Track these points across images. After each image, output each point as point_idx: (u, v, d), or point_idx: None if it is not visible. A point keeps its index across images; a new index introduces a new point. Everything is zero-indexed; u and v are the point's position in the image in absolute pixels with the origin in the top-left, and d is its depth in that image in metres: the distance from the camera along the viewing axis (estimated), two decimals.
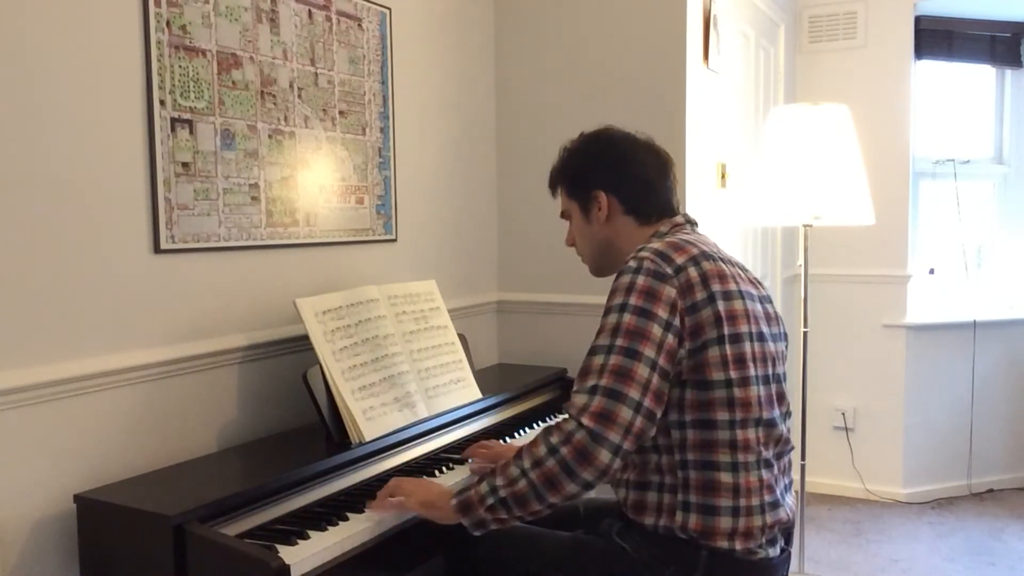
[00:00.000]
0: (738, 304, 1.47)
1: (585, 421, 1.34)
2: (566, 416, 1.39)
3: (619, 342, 1.38)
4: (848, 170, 2.67)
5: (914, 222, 3.98)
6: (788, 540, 1.59)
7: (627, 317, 1.40)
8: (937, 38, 4.00)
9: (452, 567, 1.80)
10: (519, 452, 1.42)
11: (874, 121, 3.76)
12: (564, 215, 1.74)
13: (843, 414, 3.99)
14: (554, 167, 1.74)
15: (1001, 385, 4.03)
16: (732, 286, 1.48)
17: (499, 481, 1.42)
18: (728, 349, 1.43)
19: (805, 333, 2.91)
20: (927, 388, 3.92)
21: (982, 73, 4.19)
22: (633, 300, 1.41)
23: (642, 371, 1.36)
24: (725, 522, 1.44)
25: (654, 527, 1.50)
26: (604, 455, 1.32)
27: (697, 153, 2.68)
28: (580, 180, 1.68)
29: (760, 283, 1.61)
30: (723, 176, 2.96)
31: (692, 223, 1.66)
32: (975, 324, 3.93)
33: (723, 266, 1.50)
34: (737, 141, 3.14)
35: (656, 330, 1.39)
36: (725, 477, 1.44)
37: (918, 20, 3.90)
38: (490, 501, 1.42)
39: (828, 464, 4.00)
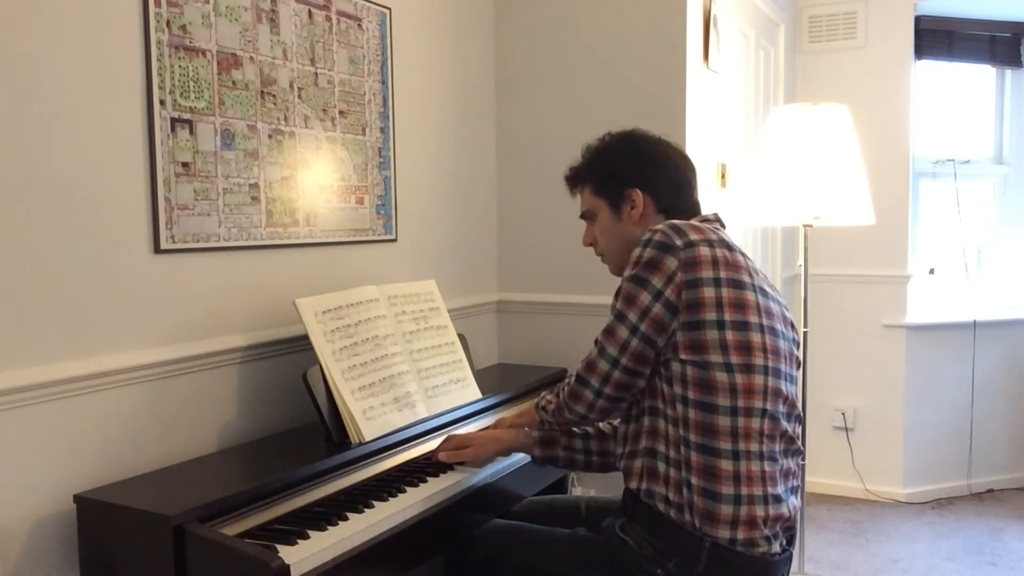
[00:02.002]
0: (750, 296, 1.49)
1: (578, 367, 1.60)
2: None
3: (617, 305, 1.54)
4: (848, 170, 2.67)
5: (914, 222, 3.98)
6: (791, 541, 1.58)
7: (626, 285, 1.53)
8: (937, 38, 4.00)
9: (452, 567, 1.80)
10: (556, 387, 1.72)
11: (874, 121, 3.76)
12: (586, 215, 1.75)
13: (843, 414, 3.99)
14: (578, 166, 1.76)
15: (1001, 385, 4.04)
16: (745, 278, 1.50)
17: (547, 398, 1.74)
18: (730, 335, 1.46)
19: (805, 333, 2.90)
20: (927, 388, 3.92)
21: (982, 73, 4.20)
22: (635, 270, 1.52)
23: (622, 332, 1.51)
24: (727, 509, 1.45)
25: (665, 500, 1.50)
26: (588, 394, 1.57)
27: (697, 153, 2.68)
28: (613, 178, 1.69)
29: (775, 289, 1.63)
30: (723, 176, 2.96)
31: (721, 223, 1.67)
32: (975, 324, 3.93)
33: (740, 259, 1.53)
34: (737, 141, 3.14)
35: (645, 297, 1.49)
36: (726, 464, 1.45)
37: (918, 20, 3.90)
38: (542, 404, 1.75)
39: (828, 464, 4.00)
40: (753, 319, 1.48)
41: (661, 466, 1.52)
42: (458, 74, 2.69)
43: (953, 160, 4.09)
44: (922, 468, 3.92)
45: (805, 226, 2.79)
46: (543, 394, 1.77)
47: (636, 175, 1.66)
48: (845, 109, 2.74)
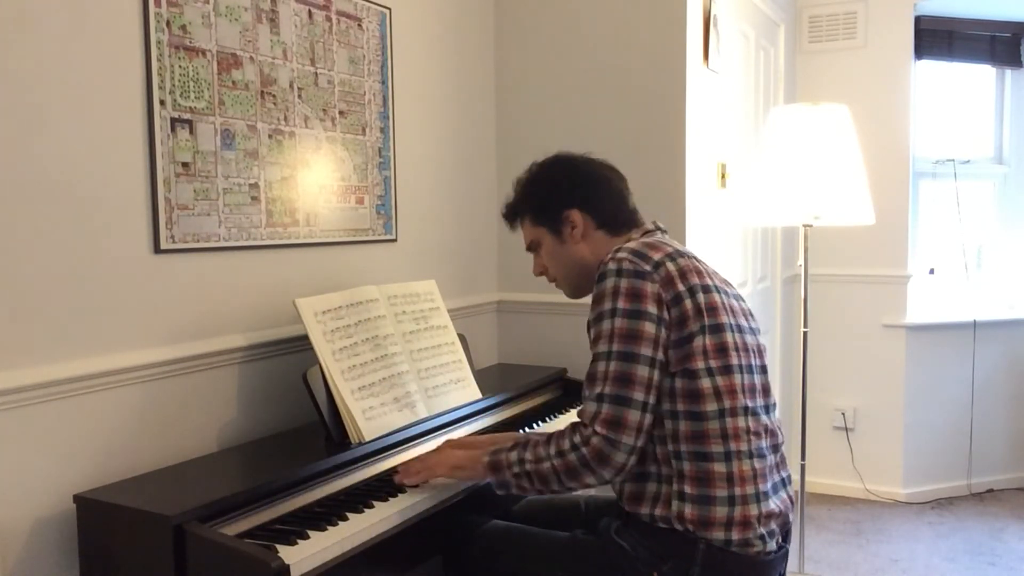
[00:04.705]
0: (716, 297, 1.53)
1: (599, 428, 1.44)
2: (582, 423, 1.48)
3: (616, 347, 1.47)
4: (848, 170, 2.67)
5: (914, 222, 3.99)
6: (786, 537, 1.59)
7: (619, 322, 1.48)
8: (937, 38, 4.00)
9: (451, 567, 1.80)
10: (549, 437, 1.52)
11: (874, 121, 3.76)
12: (531, 246, 1.77)
13: (843, 414, 3.99)
14: (512, 201, 1.77)
15: (1001, 385, 4.04)
16: (708, 281, 1.55)
17: (528, 455, 1.53)
18: (708, 339, 1.49)
19: (805, 333, 2.90)
20: (927, 388, 3.92)
21: (982, 73, 4.20)
22: (621, 304, 1.48)
23: (641, 371, 1.46)
24: (721, 511, 1.46)
25: (650, 517, 1.51)
26: (620, 456, 1.44)
27: (697, 153, 2.68)
28: (547, 205, 1.71)
29: (730, 284, 1.67)
30: (723, 176, 2.96)
31: (662, 230, 1.72)
32: (975, 324, 3.93)
33: (697, 263, 1.57)
34: (737, 141, 3.14)
35: (649, 327, 1.47)
36: (719, 467, 1.47)
37: (918, 20, 3.90)
38: (516, 470, 1.54)
39: (828, 464, 4.00)
40: (724, 320, 1.52)
41: (651, 487, 1.52)
42: (458, 74, 2.69)
43: (953, 160, 4.09)
44: (922, 468, 3.92)
45: (805, 226, 2.79)
46: (538, 449, 1.52)
47: (569, 196, 1.69)
48: (845, 109, 2.74)
